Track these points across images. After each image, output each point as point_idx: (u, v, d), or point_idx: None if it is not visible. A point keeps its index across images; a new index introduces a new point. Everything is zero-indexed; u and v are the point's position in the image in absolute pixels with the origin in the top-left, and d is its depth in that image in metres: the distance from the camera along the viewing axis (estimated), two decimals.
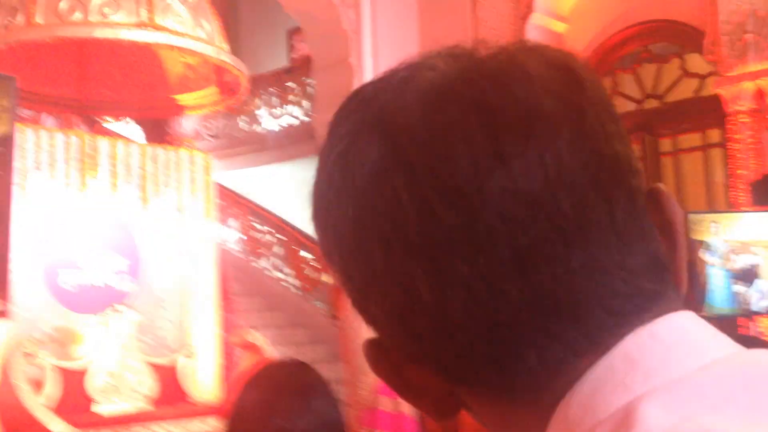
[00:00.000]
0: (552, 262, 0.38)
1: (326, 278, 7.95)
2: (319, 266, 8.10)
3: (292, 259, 8.30)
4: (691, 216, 5.60)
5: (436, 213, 0.38)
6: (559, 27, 7.85)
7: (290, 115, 9.97)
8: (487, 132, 0.39)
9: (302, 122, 9.67)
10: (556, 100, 0.40)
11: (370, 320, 0.43)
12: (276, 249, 8.54)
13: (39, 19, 3.84)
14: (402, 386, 0.44)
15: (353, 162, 0.41)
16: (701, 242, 5.51)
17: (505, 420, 0.41)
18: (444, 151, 0.39)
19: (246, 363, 4.44)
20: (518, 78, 0.41)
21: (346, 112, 0.45)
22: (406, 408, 4.54)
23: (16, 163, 3.73)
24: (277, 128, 10.08)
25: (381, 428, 4.43)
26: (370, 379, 4.44)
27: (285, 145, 9.83)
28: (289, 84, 9.94)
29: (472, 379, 0.40)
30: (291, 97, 9.92)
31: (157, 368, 4.26)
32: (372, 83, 0.46)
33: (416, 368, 0.42)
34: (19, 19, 3.88)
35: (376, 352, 0.44)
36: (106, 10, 3.87)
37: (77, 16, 3.85)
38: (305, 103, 9.73)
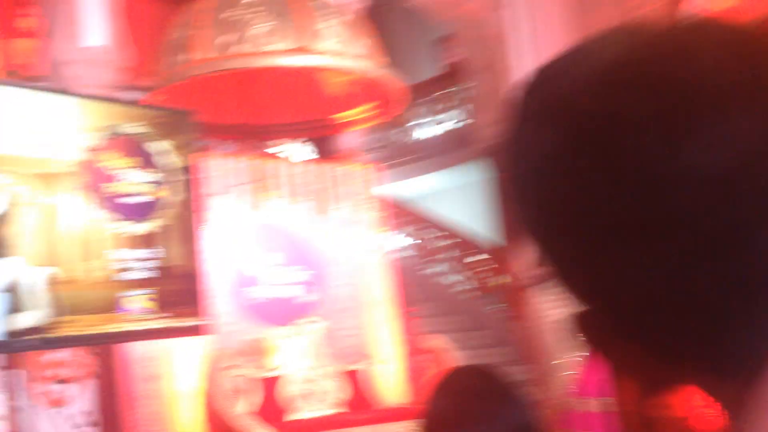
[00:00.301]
0: (750, 241, 0.37)
1: (502, 280, 7.88)
2: (494, 268, 8.04)
3: (465, 263, 8.30)
4: None
5: (629, 194, 0.38)
6: (726, 2, 7.36)
7: (451, 121, 10.01)
8: (673, 111, 0.38)
9: (457, 129, 9.70)
10: (739, 75, 0.39)
11: (578, 296, 0.43)
12: (448, 254, 8.58)
13: (203, 54, 4.08)
14: (612, 361, 0.44)
15: (536, 146, 0.42)
16: None
17: (719, 396, 0.41)
18: (631, 132, 0.38)
19: (432, 368, 4.47)
20: (697, 54, 0.40)
21: (528, 94, 0.45)
22: (599, 407, 4.38)
23: (201, 190, 4.00)
24: (434, 137, 10.17)
25: (577, 429, 4.30)
26: (560, 380, 4.32)
27: (443, 152, 9.89)
28: (447, 90, 10.00)
29: (680, 355, 0.41)
30: (449, 104, 9.96)
31: (346, 375, 4.38)
32: (552, 65, 0.46)
33: (626, 344, 0.42)
34: (187, 56, 4.13)
35: (586, 326, 0.44)
36: (265, 40, 4.05)
37: (239, 48, 4.05)
38: (464, 108, 9.73)
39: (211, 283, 3.86)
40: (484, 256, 8.16)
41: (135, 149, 3.45)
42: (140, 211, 3.41)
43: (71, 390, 3.90)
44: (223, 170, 4.36)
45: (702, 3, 7.16)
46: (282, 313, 4.40)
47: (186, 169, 3.61)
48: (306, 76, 5.01)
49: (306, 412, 4.15)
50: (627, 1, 7.58)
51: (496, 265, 7.99)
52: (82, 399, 3.91)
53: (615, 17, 7.75)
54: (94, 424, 3.90)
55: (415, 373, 5.09)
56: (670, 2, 7.22)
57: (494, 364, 6.22)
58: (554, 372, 4.33)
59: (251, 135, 5.44)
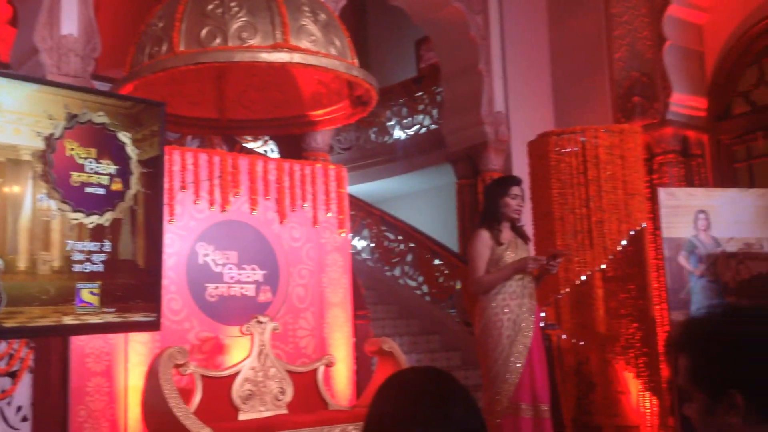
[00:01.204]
0: None
1: (457, 285, 7.94)
2: (450, 273, 8.09)
3: (423, 267, 8.34)
4: None
5: None
6: (699, 17, 7.50)
7: (420, 125, 10.03)
8: None
9: (431, 131, 9.71)
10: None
11: None
12: (408, 258, 8.61)
13: (182, 46, 4.06)
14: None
15: None
16: None
17: None
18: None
19: (382, 371, 4.49)
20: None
21: None
22: (539, 413, 4.45)
23: (165, 184, 3.97)
24: (407, 138, 10.18)
25: None
26: (510, 387, 4.39)
27: (415, 154, 9.91)
28: (418, 94, 10.01)
29: None
30: (420, 107, 9.98)
31: (296, 376, 4.38)
32: None
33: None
34: (165, 48, 4.12)
35: None
36: (243, 34, 4.04)
37: (218, 42, 4.03)
38: (434, 111, 9.77)
39: (163, 279, 3.83)
40: (441, 260, 8.21)
41: (98, 139, 3.41)
42: (96, 203, 3.37)
43: (3, 383, 3.86)
44: (185, 164, 4.33)
45: (682, 14, 7.29)
46: (234, 311, 4.38)
47: (147, 162, 3.57)
48: (282, 74, 5.01)
49: (254, 412, 4.14)
50: (606, 9, 7.70)
51: (451, 271, 8.05)
52: (16, 393, 3.87)
53: (590, 26, 7.84)
54: (26, 419, 3.86)
55: (366, 375, 5.12)
56: (651, 13, 7.33)
57: (443, 368, 6.29)
58: (503, 378, 4.39)
59: (217, 130, 5.41)
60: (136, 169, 3.54)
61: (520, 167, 7.21)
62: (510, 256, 4.55)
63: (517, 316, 4.47)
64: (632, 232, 5.92)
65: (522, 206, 4.66)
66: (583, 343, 5.96)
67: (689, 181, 7.15)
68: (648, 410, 5.78)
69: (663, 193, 5.88)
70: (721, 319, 1.47)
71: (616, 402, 5.87)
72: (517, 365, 4.41)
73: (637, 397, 5.82)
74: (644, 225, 6.01)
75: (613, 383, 5.87)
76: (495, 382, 4.45)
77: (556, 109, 8.19)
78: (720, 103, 7.44)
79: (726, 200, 5.97)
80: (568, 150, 5.99)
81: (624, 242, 5.91)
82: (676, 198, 5.88)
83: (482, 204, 4.93)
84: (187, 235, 4.34)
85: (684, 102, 7.27)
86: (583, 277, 5.87)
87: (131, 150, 3.53)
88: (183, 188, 4.33)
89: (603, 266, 5.89)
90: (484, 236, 4.58)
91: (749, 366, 1.39)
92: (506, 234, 4.63)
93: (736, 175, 7.37)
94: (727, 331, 1.44)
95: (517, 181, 4.73)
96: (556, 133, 6.16)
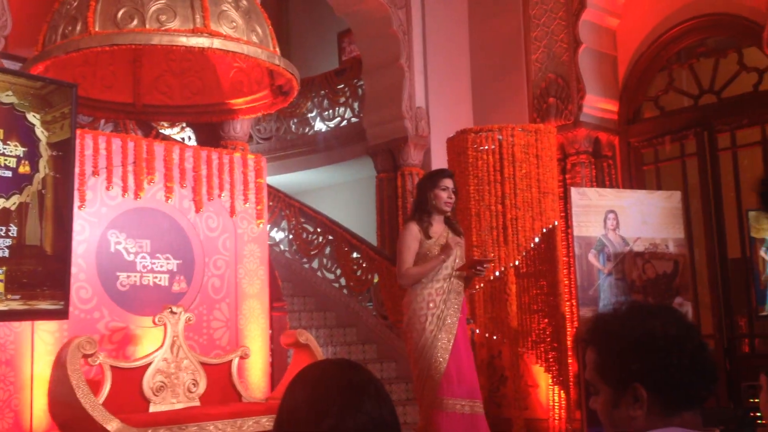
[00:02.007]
0: None
1: (374, 279, 7.97)
2: (367, 267, 8.12)
3: (341, 260, 8.35)
4: (751, 213, 5.47)
5: None
6: (613, 22, 7.74)
7: (341, 117, 10.02)
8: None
9: (352, 123, 9.71)
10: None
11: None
12: (327, 250, 8.60)
13: (97, 27, 3.94)
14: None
15: None
16: (761, 240, 5.36)
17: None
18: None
19: (298, 363, 4.47)
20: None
21: None
22: (479, 408, 4.50)
23: (76, 168, 3.84)
24: (328, 130, 10.15)
25: (448, 429, 4.40)
26: (435, 382, 4.42)
27: (335, 146, 9.89)
28: (340, 86, 9.99)
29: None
30: (341, 99, 9.97)
31: (210, 368, 4.32)
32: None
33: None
34: (79, 28, 3.98)
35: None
36: (162, 17, 3.95)
37: (135, 23, 3.93)
38: (356, 104, 9.77)
39: (72, 266, 3.71)
40: (359, 254, 8.23)
41: (5, 120, 3.27)
42: (2, 186, 3.24)
43: None
44: (98, 149, 4.21)
45: (597, 18, 7.50)
46: (147, 301, 4.28)
47: (58, 145, 3.45)
48: (201, 60, 4.92)
49: (166, 404, 4.06)
50: (524, 11, 7.86)
51: (368, 264, 8.08)
52: None
53: (509, 26, 7.99)
54: None
55: (281, 368, 5.09)
56: (567, 16, 7.51)
57: (359, 360, 6.32)
58: (430, 374, 4.42)
59: (131, 115, 5.28)
60: (45, 152, 3.41)
61: (439, 163, 7.30)
62: (439, 250, 4.57)
63: (441, 311, 4.49)
64: (545, 230, 6.08)
65: (453, 199, 4.66)
66: (496, 337, 6.08)
67: (600, 182, 7.39)
68: (556, 403, 5.95)
69: (575, 193, 6.05)
70: (627, 316, 1.53)
71: (526, 395, 6.02)
72: (440, 360, 4.44)
73: (547, 390, 5.99)
74: (556, 223, 6.18)
75: (523, 377, 6.02)
76: (421, 376, 4.48)
77: (474, 106, 8.32)
78: (631, 106, 7.71)
79: (634, 201, 6.19)
80: (485, 147, 6.10)
81: (537, 239, 6.06)
82: (587, 198, 6.06)
83: (414, 197, 4.94)
84: (99, 222, 4.21)
85: (597, 104, 7.50)
86: (497, 273, 5.99)
87: (40, 132, 3.40)
88: (95, 174, 4.20)
89: (517, 262, 6.02)
90: (413, 229, 4.59)
91: (652, 361, 1.45)
92: (437, 227, 4.64)
93: (644, 177, 7.65)
94: (631, 328, 1.50)
95: (447, 174, 4.74)
96: (474, 130, 6.26)
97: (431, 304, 4.49)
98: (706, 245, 7.06)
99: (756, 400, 5.85)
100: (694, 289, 6.98)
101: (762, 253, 5.33)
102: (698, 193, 7.18)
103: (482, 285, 5.99)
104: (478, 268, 4.58)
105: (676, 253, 6.18)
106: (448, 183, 4.64)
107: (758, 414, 5.09)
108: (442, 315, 4.49)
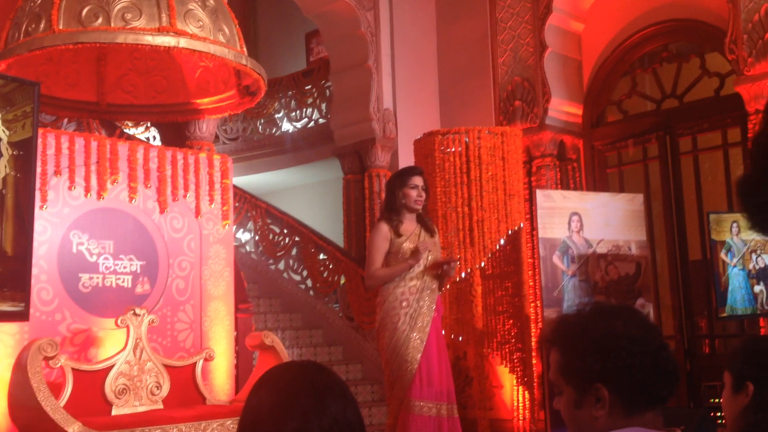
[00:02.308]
0: None
1: (340, 280, 7.97)
2: (333, 268, 8.10)
3: (308, 262, 8.32)
4: (711, 216, 5.57)
5: None
6: (578, 27, 7.82)
7: (308, 118, 9.99)
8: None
9: (320, 124, 9.69)
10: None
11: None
12: (293, 251, 8.57)
13: (61, 25, 3.88)
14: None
15: None
16: (721, 242, 5.46)
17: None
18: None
19: (263, 365, 4.45)
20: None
21: None
22: (446, 411, 4.48)
23: (38, 168, 3.78)
24: (295, 131, 10.11)
25: (417, 430, 4.39)
26: (406, 382, 4.39)
27: (303, 147, 9.86)
28: (308, 87, 9.96)
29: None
30: (309, 100, 9.95)
31: (174, 370, 4.28)
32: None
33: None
34: (43, 25, 3.92)
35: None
36: (127, 15, 3.90)
37: (99, 22, 3.88)
38: (323, 105, 9.75)
39: (33, 267, 3.65)
40: (326, 255, 8.22)
41: None
42: None
43: None
44: (60, 148, 4.14)
45: (562, 23, 7.58)
46: (109, 303, 4.23)
47: (19, 144, 3.39)
48: (167, 59, 4.87)
49: (129, 407, 4.02)
50: (491, 14, 7.91)
51: (335, 265, 8.07)
52: None
53: (476, 29, 8.04)
54: None
55: (247, 370, 5.06)
56: (533, 20, 7.58)
57: (324, 362, 6.31)
58: (394, 373, 4.41)
59: (95, 114, 5.21)
60: (6, 151, 3.36)
61: (407, 164, 7.31)
62: (409, 248, 4.51)
63: (414, 310, 4.44)
64: (510, 232, 6.12)
65: (423, 197, 4.60)
66: (461, 338, 6.11)
67: (564, 184, 7.46)
68: (521, 404, 6.00)
69: (540, 195, 6.10)
70: (590, 317, 1.55)
71: (491, 396, 6.05)
72: (412, 361, 4.39)
73: (511, 391, 6.03)
74: (522, 225, 6.23)
75: (488, 378, 6.05)
76: (391, 376, 4.44)
77: (442, 108, 8.36)
78: (595, 110, 7.80)
79: (598, 204, 6.26)
80: (452, 150, 6.13)
81: (502, 241, 6.10)
82: (552, 200, 6.12)
83: (384, 196, 4.88)
84: (61, 222, 4.15)
85: (562, 108, 7.58)
86: (463, 275, 6.02)
87: (1, 131, 3.34)
88: (57, 173, 4.14)
89: (482, 264, 6.06)
90: (383, 229, 4.54)
91: (613, 362, 1.47)
92: (408, 226, 4.58)
93: (608, 179, 7.75)
94: (594, 329, 1.52)
95: (417, 171, 4.68)
96: (441, 132, 6.29)
97: (404, 303, 4.45)
98: (667, 247, 7.16)
99: (716, 400, 5.95)
100: (655, 290, 7.09)
101: (722, 255, 5.43)
102: (660, 196, 7.29)
103: (448, 287, 6.01)
104: (444, 267, 4.57)
105: (639, 254, 6.27)
106: (417, 181, 4.59)
107: (719, 414, 5.18)
108: (415, 314, 4.44)
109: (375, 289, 4.60)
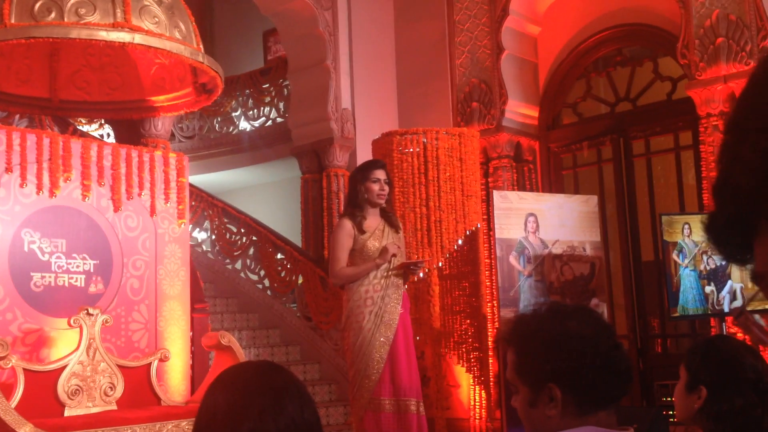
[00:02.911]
0: None
1: (297, 280, 7.94)
2: (291, 268, 8.07)
3: (265, 261, 8.28)
4: (664, 218, 5.68)
5: None
6: (534, 30, 7.91)
7: (266, 117, 9.94)
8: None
9: (278, 123, 9.64)
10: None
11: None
12: (250, 251, 8.51)
13: (13, 19, 3.80)
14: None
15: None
16: (673, 244, 5.57)
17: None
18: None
19: (220, 365, 4.41)
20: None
21: None
22: (414, 408, 4.45)
23: None
24: (252, 129, 10.05)
25: (385, 430, 4.36)
26: (372, 382, 4.37)
27: (260, 146, 9.80)
28: (265, 85, 9.91)
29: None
30: (267, 99, 9.89)
31: (128, 371, 4.23)
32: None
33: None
34: None
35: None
36: (81, 11, 3.84)
37: (52, 16, 3.81)
38: (281, 104, 9.71)
39: None
40: (283, 255, 8.18)
41: None
42: None
43: None
44: (12, 145, 4.06)
45: (519, 26, 7.66)
46: (62, 303, 4.15)
47: None
48: (121, 55, 4.80)
49: (82, 408, 3.95)
50: (449, 16, 7.95)
51: (293, 265, 8.04)
52: None
53: (434, 30, 8.08)
54: None
55: (203, 370, 5.01)
56: (490, 23, 7.64)
57: (282, 362, 6.28)
58: (367, 374, 4.38)
59: (47, 110, 5.11)
60: None
61: None
62: (374, 245, 4.44)
63: (379, 308, 4.38)
64: (468, 232, 6.17)
65: (386, 191, 4.52)
66: (419, 338, 6.14)
67: (521, 186, 7.54)
68: (477, 403, 6.05)
69: (497, 196, 6.16)
70: (545, 317, 1.57)
71: (448, 395, 6.09)
72: (379, 359, 4.35)
73: (468, 390, 6.07)
74: (479, 225, 6.28)
75: (445, 377, 6.09)
76: (357, 376, 4.38)
77: (400, 109, 8.38)
78: (550, 112, 7.90)
79: (553, 205, 6.34)
80: (410, 150, 6.15)
81: (460, 241, 6.14)
82: (509, 201, 6.18)
83: (346, 191, 4.78)
84: (12, 220, 4.06)
85: (518, 110, 7.66)
86: (421, 275, 6.04)
87: None
88: (8, 170, 4.05)
89: (440, 264, 6.09)
90: (346, 225, 4.46)
91: (565, 361, 1.49)
92: (372, 222, 4.51)
93: (563, 181, 7.85)
94: (548, 329, 1.53)
95: (379, 165, 4.59)
96: (399, 132, 6.31)
97: (369, 302, 4.39)
98: (620, 248, 7.29)
99: (669, 399, 6.07)
100: (609, 290, 7.20)
101: (674, 256, 5.53)
102: (614, 198, 7.41)
103: (406, 287, 6.03)
104: (411, 267, 4.54)
105: (593, 255, 6.36)
106: (379, 174, 4.51)
107: (671, 412, 5.28)
108: (380, 312, 4.39)
109: (338, 287, 4.55)
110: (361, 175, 4.54)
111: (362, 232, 4.46)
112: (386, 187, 4.53)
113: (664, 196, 7.66)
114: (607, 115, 7.67)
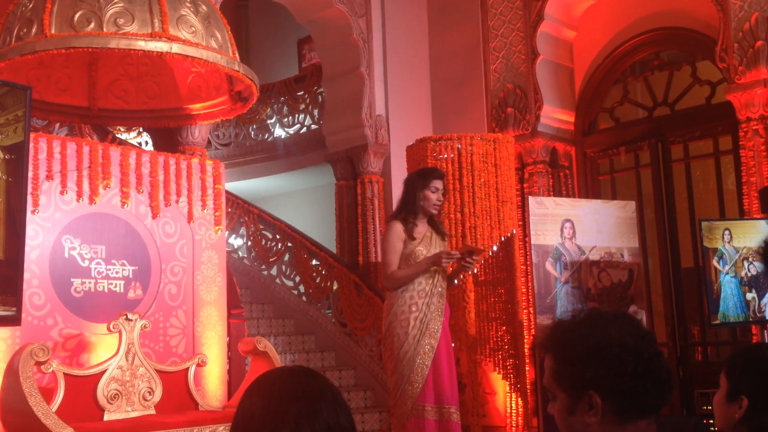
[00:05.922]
0: None
1: (333, 286, 7.95)
2: (326, 274, 8.09)
3: (300, 267, 8.31)
4: (704, 224, 5.59)
5: None
6: (569, 34, 7.85)
7: (300, 124, 9.99)
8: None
9: (312, 130, 9.69)
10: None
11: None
12: (286, 257, 8.55)
13: (53, 29, 3.87)
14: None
15: None
16: (713, 250, 5.48)
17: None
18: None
19: (256, 371, 4.44)
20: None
21: None
22: (455, 416, 4.42)
23: (30, 172, 3.77)
24: (287, 137, 10.11)
25: None
26: (415, 389, 4.33)
27: (295, 153, 9.86)
28: (300, 93, 9.96)
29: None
30: (301, 106, 9.94)
31: (166, 376, 4.27)
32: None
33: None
34: (35, 30, 3.91)
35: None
36: (120, 21, 3.90)
37: (92, 27, 3.87)
38: (316, 111, 9.75)
39: (25, 272, 3.63)
40: (318, 261, 8.20)
41: None
42: None
43: None
44: (52, 153, 4.13)
45: (554, 30, 7.61)
46: (101, 308, 4.21)
47: (11, 148, 3.38)
48: (159, 64, 4.87)
49: (121, 412, 4.00)
50: (483, 22, 7.93)
51: (328, 271, 8.06)
52: None
53: (468, 36, 8.06)
54: None
55: (239, 375, 5.04)
56: (525, 28, 7.60)
57: (317, 368, 6.29)
58: (411, 381, 4.36)
59: (87, 119, 5.19)
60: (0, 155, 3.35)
61: (399, 171, 7.32)
62: (422, 252, 4.39)
63: (424, 315, 4.33)
64: (503, 239, 6.13)
65: (442, 201, 4.48)
66: (454, 345, 6.11)
67: (557, 191, 7.48)
68: (514, 411, 6.00)
69: (532, 202, 6.11)
70: (584, 324, 1.54)
71: (484, 402, 6.05)
72: (423, 366, 4.30)
73: (504, 397, 6.03)
74: (514, 232, 6.24)
75: (481, 384, 6.05)
76: (399, 383, 4.33)
77: (434, 115, 8.37)
78: (587, 117, 7.83)
79: (590, 210, 6.28)
80: (444, 156, 6.14)
81: (495, 248, 6.11)
82: (545, 207, 6.13)
83: (401, 195, 4.63)
84: (53, 227, 4.13)
85: (554, 115, 7.60)
86: (456, 281, 6.02)
87: None
88: (49, 178, 4.13)
89: (475, 270, 6.06)
90: (398, 229, 4.40)
91: (606, 369, 1.47)
92: (421, 228, 4.47)
93: (600, 186, 7.77)
94: (588, 335, 1.51)
95: (438, 175, 4.53)
96: (433, 138, 6.30)
97: (413, 308, 4.32)
98: (659, 254, 7.18)
99: (709, 407, 5.96)
100: (648, 297, 7.10)
101: (714, 262, 5.44)
102: (652, 203, 7.31)
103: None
104: (467, 259, 4.41)
105: (631, 261, 6.28)
106: (438, 184, 4.45)
107: (712, 421, 5.18)
108: (426, 319, 4.32)
109: (391, 291, 4.46)
110: (420, 182, 4.48)
111: (412, 238, 4.42)
112: (442, 198, 4.49)
113: (703, 201, 7.54)
114: (644, 119, 7.57)
